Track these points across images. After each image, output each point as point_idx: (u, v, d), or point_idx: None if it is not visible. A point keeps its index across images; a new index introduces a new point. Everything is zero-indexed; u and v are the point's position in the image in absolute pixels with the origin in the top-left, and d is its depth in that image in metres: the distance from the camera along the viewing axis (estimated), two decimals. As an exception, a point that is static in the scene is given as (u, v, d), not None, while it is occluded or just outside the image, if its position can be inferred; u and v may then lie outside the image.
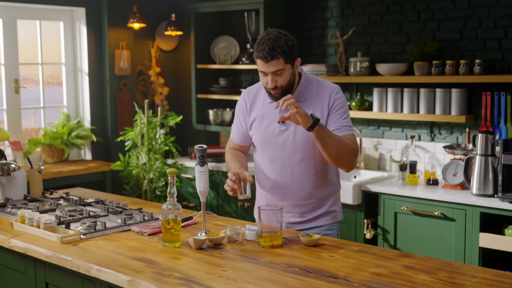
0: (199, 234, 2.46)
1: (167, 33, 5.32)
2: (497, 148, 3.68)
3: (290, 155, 2.64)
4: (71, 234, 2.49)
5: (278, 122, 2.63)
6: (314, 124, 2.42)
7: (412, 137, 4.18)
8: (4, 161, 3.30)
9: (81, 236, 2.51)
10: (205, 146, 2.48)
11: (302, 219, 2.70)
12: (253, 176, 2.61)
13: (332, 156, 2.53)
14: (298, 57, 2.60)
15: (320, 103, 2.61)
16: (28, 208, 2.99)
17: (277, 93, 2.58)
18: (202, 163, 2.46)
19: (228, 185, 2.54)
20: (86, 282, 2.26)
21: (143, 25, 5.15)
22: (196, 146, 2.47)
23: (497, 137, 3.79)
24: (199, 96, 5.20)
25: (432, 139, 4.23)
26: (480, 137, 3.60)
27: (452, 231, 3.60)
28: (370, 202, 3.98)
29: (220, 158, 4.87)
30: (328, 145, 2.49)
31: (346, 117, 2.62)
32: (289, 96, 2.42)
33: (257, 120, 2.71)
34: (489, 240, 3.41)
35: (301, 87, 2.64)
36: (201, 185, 2.48)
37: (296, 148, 2.63)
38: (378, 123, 4.49)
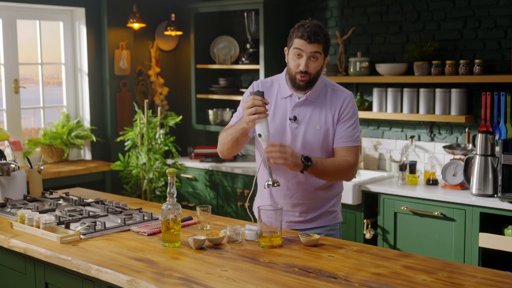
0: (266, 183, 2.44)
1: (167, 33, 5.32)
2: (497, 148, 3.69)
3: (298, 153, 2.54)
4: (70, 234, 2.48)
5: (290, 119, 2.60)
6: (305, 168, 2.47)
7: (412, 137, 4.17)
8: (4, 161, 3.30)
9: (81, 236, 2.51)
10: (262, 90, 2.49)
11: (301, 219, 2.69)
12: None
13: (329, 180, 2.65)
14: (328, 55, 2.64)
15: (332, 107, 2.60)
16: (28, 208, 2.99)
17: (303, 79, 2.56)
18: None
19: (254, 105, 2.41)
20: (86, 282, 2.26)
21: (143, 25, 5.15)
22: (253, 91, 2.48)
23: (496, 137, 3.79)
24: (199, 96, 5.20)
25: (432, 139, 4.23)
26: (480, 137, 3.60)
27: (452, 231, 3.60)
28: (370, 202, 3.98)
29: (220, 158, 4.84)
30: (324, 176, 2.59)
31: (354, 127, 2.62)
32: (273, 149, 2.41)
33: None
34: (489, 240, 3.41)
35: (317, 87, 2.63)
36: (265, 129, 2.44)
37: (305, 147, 2.59)
38: (378, 123, 4.48)
